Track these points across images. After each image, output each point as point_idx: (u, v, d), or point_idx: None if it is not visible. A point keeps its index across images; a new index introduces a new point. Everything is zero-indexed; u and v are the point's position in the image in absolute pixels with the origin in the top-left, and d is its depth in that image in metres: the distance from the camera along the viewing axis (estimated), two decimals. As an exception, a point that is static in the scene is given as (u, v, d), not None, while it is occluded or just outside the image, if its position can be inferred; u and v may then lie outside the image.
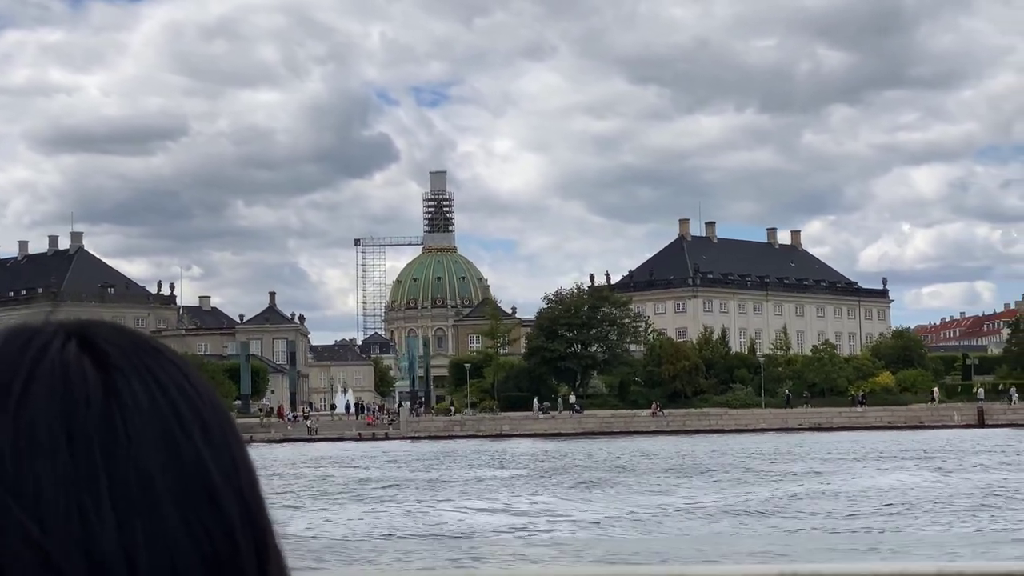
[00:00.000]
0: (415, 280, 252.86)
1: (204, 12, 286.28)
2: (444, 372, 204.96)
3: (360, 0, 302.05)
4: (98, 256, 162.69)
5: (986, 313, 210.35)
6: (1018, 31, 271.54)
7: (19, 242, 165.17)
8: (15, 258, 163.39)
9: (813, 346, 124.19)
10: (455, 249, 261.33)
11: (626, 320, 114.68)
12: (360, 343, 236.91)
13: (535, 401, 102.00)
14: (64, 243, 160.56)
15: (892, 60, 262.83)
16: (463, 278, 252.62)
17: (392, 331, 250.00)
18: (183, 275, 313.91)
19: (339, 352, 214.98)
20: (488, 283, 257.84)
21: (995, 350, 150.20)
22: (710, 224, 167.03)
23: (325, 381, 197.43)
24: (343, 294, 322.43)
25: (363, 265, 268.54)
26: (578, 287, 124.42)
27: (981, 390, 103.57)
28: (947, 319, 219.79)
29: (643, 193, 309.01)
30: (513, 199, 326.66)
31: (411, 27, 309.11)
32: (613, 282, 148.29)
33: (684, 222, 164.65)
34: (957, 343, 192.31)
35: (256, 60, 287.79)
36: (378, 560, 22.64)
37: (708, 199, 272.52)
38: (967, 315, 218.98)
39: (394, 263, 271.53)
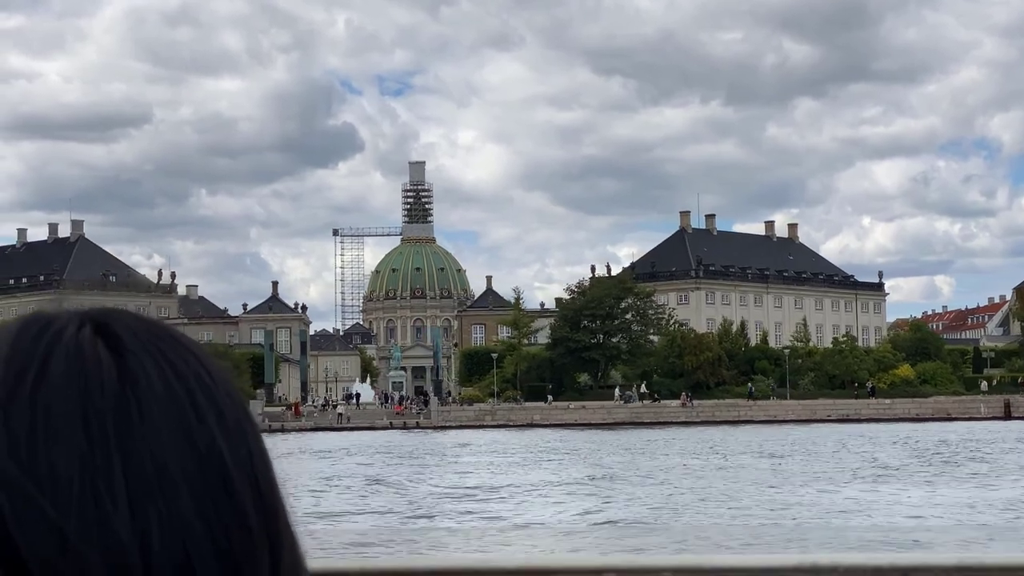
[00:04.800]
0: (394, 271, 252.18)
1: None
2: (423, 363, 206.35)
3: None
4: (99, 244, 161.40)
5: (970, 307, 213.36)
6: (982, 26, 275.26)
7: (18, 229, 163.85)
8: (14, 246, 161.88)
9: (834, 338, 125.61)
10: (434, 240, 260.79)
11: (650, 311, 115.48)
12: (340, 333, 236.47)
13: (617, 390, 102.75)
14: (64, 231, 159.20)
15: (857, 54, 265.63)
16: (442, 269, 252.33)
17: (371, 321, 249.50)
18: (144, 264, 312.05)
19: (322, 342, 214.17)
20: (467, 274, 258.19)
21: (987, 343, 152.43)
22: (710, 216, 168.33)
23: (314, 371, 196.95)
24: (305, 284, 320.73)
25: (341, 255, 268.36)
26: (588, 278, 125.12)
27: (987, 384, 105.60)
28: (928, 312, 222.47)
29: (606, 185, 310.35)
30: (476, 190, 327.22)
31: (376, 15, 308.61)
32: (613, 273, 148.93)
33: (685, 214, 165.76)
34: (943, 336, 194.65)
35: (219, 47, 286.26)
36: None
37: (673, 192, 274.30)
38: (949, 308, 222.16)
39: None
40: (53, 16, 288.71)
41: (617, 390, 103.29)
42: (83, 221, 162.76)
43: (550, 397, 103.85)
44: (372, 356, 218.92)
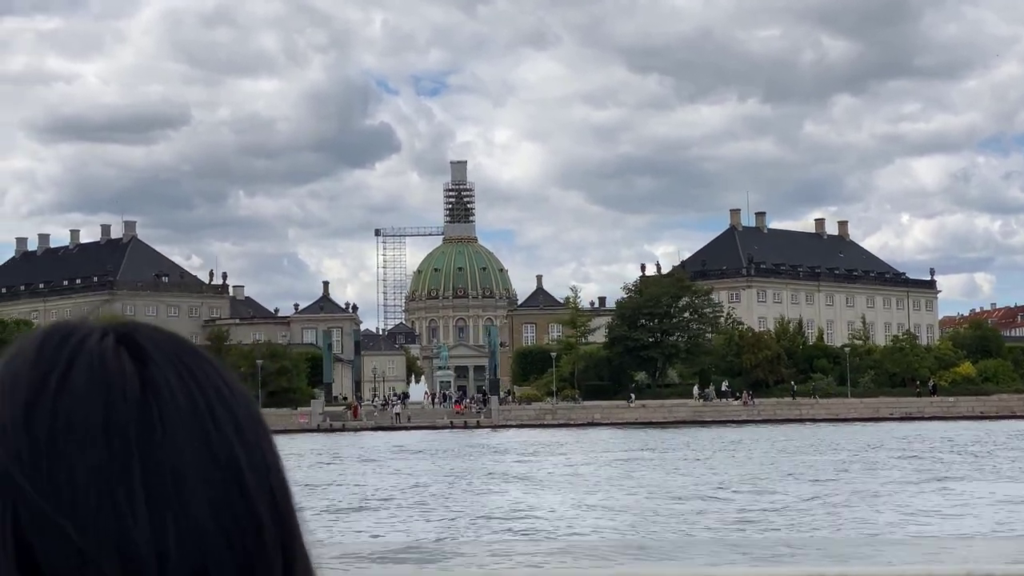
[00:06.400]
0: (436, 270, 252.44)
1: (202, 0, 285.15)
2: (465, 363, 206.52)
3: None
4: (151, 246, 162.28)
5: (1019, 304, 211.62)
6: (1023, 20, 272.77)
7: (71, 231, 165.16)
8: (67, 247, 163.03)
9: (894, 336, 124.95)
10: (476, 239, 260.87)
11: (707, 310, 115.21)
12: (385, 333, 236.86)
13: (696, 388, 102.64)
14: (117, 232, 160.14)
15: (896, 50, 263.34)
16: (484, 268, 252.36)
17: (413, 321, 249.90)
18: (183, 265, 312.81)
19: (368, 342, 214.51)
20: (509, 274, 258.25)
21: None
22: (760, 214, 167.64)
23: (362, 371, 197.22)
24: (342, 284, 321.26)
25: (383, 255, 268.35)
26: (639, 276, 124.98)
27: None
28: (976, 310, 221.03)
29: (643, 183, 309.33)
30: (512, 189, 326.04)
31: (412, 15, 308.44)
32: (663, 272, 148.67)
33: (735, 212, 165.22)
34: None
35: (256, 48, 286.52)
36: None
37: (710, 190, 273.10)
38: (998, 306, 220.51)
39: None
40: (91, 18, 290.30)
41: (696, 388, 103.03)
42: (135, 222, 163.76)
43: (633, 396, 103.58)
44: (416, 356, 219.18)
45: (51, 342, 0.86)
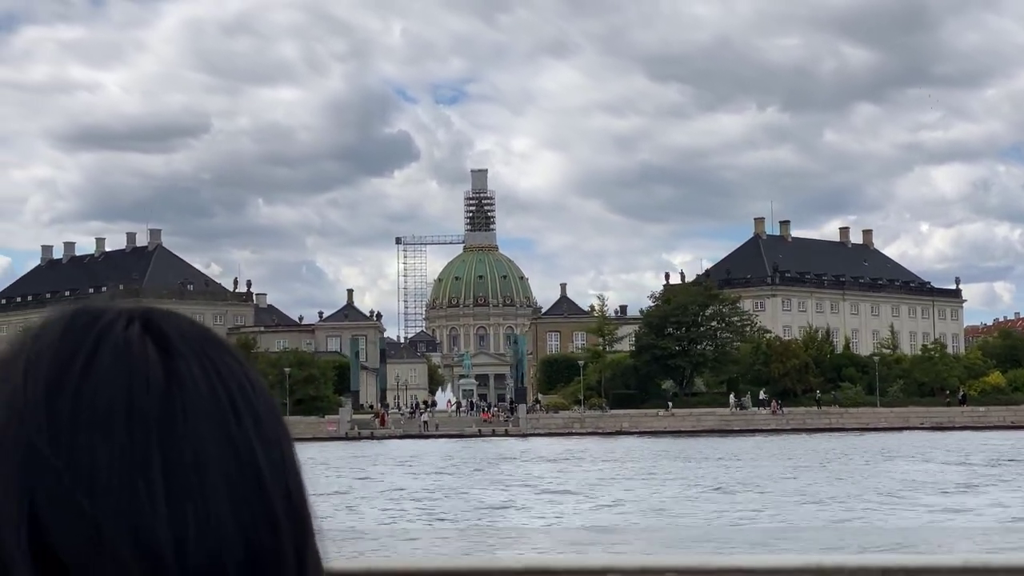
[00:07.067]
0: (457, 279, 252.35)
1: (222, 8, 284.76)
2: (486, 371, 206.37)
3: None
4: (177, 254, 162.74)
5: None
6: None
7: (96, 239, 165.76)
8: (93, 255, 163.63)
9: (923, 345, 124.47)
10: (496, 248, 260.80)
11: (735, 318, 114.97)
12: (404, 341, 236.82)
13: (732, 397, 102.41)
14: (142, 240, 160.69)
15: (917, 58, 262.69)
16: (505, 277, 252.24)
17: (434, 329, 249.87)
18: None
19: (390, 350, 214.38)
20: (529, 282, 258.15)
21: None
22: (784, 223, 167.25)
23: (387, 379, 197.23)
24: (360, 292, 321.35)
25: (404, 263, 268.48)
26: (664, 285, 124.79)
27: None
28: (1000, 319, 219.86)
29: (662, 192, 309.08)
30: (531, 198, 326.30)
31: (431, 24, 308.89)
32: (687, 281, 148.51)
33: (759, 220, 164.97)
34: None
35: (276, 57, 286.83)
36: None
37: (729, 199, 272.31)
38: (1022, 315, 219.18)
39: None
40: (113, 27, 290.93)
41: (732, 397, 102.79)
42: (160, 230, 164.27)
43: (670, 404, 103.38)
44: (437, 364, 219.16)
45: (78, 323, 0.86)
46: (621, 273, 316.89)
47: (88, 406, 0.81)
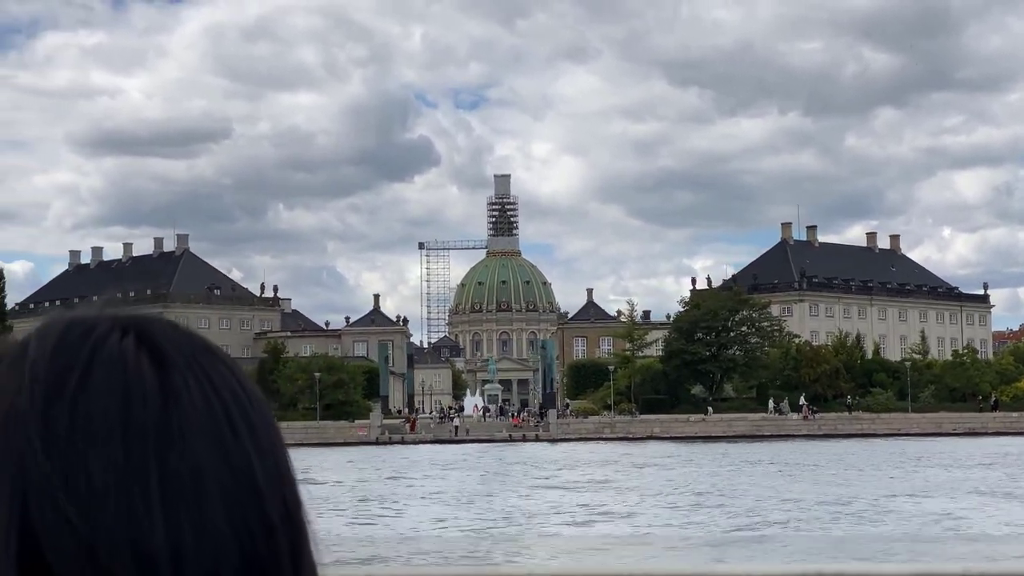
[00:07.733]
0: (479, 284, 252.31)
1: (242, 14, 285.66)
2: (510, 376, 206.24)
3: (398, 1, 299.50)
4: (204, 259, 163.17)
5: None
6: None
7: (123, 244, 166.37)
8: (120, 260, 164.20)
9: (954, 351, 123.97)
10: (519, 253, 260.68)
11: (765, 324, 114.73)
12: (427, 347, 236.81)
13: (771, 402, 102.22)
14: (169, 245, 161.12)
15: (939, 62, 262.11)
16: (527, 282, 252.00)
17: (457, 334, 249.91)
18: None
19: (414, 356, 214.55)
20: (552, 287, 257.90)
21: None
22: (811, 228, 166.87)
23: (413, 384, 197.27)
24: (380, 298, 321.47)
25: (427, 268, 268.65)
26: (690, 290, 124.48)
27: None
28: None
29: (682, 197, 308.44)
30: (551, 203, 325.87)
31: (451, 29, 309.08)
32: (713, 286, 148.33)
33: (786, 226, 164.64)
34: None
35: (296, 62, 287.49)
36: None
37: (750, 203, 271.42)
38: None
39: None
40: (134, 33, 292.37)
41: (771, 402, 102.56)
42: (187, 235, 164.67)
43: (710, 409, 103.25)
44: (460, 369, 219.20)
45: (71, 336, 0.86)
46: (642, 278, 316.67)
47: (84, 419, 0.81)
